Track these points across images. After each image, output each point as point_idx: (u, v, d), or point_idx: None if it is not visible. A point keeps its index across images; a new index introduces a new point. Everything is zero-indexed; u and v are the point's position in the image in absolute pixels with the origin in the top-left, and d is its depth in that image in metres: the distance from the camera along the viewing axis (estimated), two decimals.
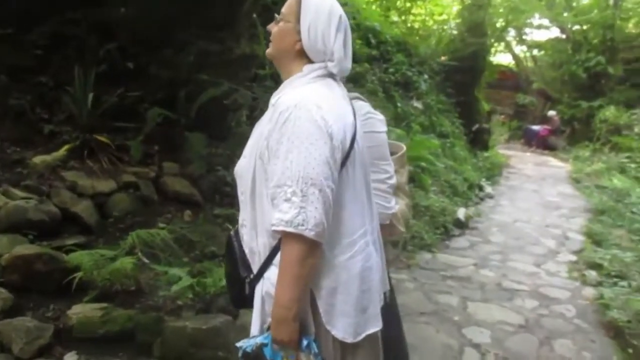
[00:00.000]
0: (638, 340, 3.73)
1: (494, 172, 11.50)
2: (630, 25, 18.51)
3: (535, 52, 21.91)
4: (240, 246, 1.63)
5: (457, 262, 5.45)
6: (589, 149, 14.92)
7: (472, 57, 12.13)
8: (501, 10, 15.55)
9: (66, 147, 4.27)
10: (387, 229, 2.02)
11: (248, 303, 1.59)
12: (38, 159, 4.08)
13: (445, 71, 12.05)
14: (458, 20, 13.67)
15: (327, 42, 1.56)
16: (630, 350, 3.65)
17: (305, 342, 1.45)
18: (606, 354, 3.64)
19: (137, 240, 3.47)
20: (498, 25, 15.90)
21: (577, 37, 18.54)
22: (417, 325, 3.81)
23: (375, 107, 2.15)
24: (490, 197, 9.19)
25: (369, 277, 1.54)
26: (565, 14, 18.57)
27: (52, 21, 4.65)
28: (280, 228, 1.39)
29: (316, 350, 1.46)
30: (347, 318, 1.50)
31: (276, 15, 1.66)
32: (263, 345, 1.48)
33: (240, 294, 1.61)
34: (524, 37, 20.92)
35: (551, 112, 18.07)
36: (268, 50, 1.67)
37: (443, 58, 12.43)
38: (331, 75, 1.60)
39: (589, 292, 4.80)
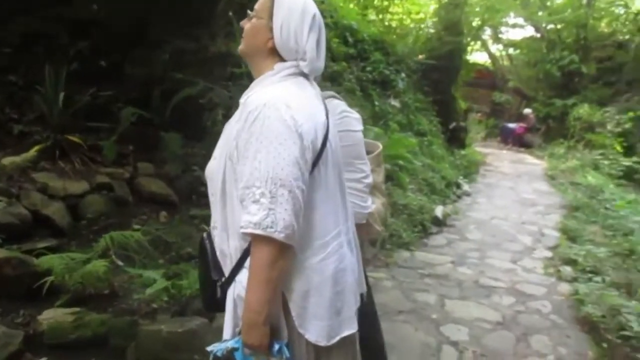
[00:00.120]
0: (612, 335, 3.78)
1: (471, 170, 11.60)
2: (603, 24, 18.87)
3: (510, 50, 22.21)
4: (213, 248, 1.59)
5: (435, 260, 5.47)
6: (563, 146, 15.18)
7: (449, 56, 12.22)
8: (477, 9, 15.68)
9: (36, 147, 4.17)
10: (363, 228, 2.01)
11: (220, 306, 1.56)
12: (7, 160, 3.97)
13: (422, 70, 12.11)
14: (435, 19, 13.75)
15: (299, 40, 1.53)
16: (605, 345, 3.70)
17: (276, 347, 1.43)
18: (581, 349, 3.68)
19: (111, 242, 3.40)
20: (474, 24, 16.04)
21: (551, 36, 18.88)
22: (395, 324, 3.81)
23: (352, 105, 2.14)
24: (468, 194, 9.26)
25: (342, 279, 1.52)
26: (540, 13, 18.85)
27: (22, 19, 4.53)
28: (249, 230, 1.36)
29: (288, 355, 1.43)
30: (320, 321, 1.47)
31: (249, 11, 1.63)
32: (234, 349, 1.46)
33: (212, 297, 1.58)
34: (499, 36, 21.15)
35: (527, 110, 18.34)
36: (240, 47, 1.64)
37: (420, 57, 12.48)
38: (303, 74, 1.57)
39: (564, 287, 4.86)
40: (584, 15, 17.30)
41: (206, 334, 2.81)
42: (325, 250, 1.49)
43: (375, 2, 13.07)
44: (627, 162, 12.70)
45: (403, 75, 10.72)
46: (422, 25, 14.27)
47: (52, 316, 2.92)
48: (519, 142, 17.54)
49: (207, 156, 1.60)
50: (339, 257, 1.52)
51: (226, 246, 1.53)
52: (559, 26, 18.60)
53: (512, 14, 18.77)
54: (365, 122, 2.11)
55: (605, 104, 15.66)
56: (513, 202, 8.91)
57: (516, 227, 7.17)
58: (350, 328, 1.54)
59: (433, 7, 14.55)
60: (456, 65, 12.86)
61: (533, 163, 14.33)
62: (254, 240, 1.38)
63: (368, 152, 2.10)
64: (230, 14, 5.26)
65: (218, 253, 1.57)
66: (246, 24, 1.62)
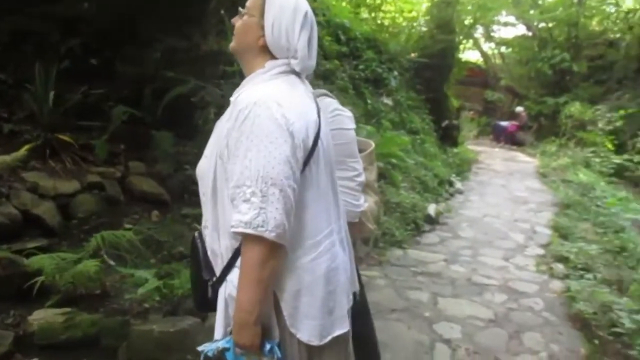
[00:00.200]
0: (604, 332, 3.81)
1: (463, 167, 11.63)
2: (594, 23, 18.96)
3: (502, 49, 22.28)
4: (204, 248, 1.58)
5: (428, 257, 5.48)
6: (555, 144, 15.25)
7: (441, 54, 12.24)
8: (469, 8, 15.71)
9: (27, 147, 4.12)
10: (356, 227, 2.00)
11: (212, 306, 1.55)
12: None
13: (414, 68, 12.13)
14: (427, 18, 13.78)
15: (290, 38, 1.52)
16: (597, 342, 3.72)
17: (268, 347, 1.42)
18: (573, 346, 3.70)
19: (102, 242, 3.38)
20: (466, 22, 16.07)
21: (542, 35, 18.96)
22: (388, 322, 3.81)
23: (345, 104, 2.13)
24: (460, 192, 9.28)
25: (334, 278, 1.52)
26: (532, 12, 18.92)
27: (11, 17, 4.49)
28: (240, 230, 1.35)
29: (279, 355, 1.42)
30: (312, 320, 1.47)
31: (240, 9, 1.62)
32: (225, 349, 1.45)
33: (203, 297, 1.57)
34: (491, 34, 21.22)
35: (519, 108, 18.41)
36: (231, 45, 1.63)
37: (413, 55, 12.50)
38: (295, 72, 1.56)
39: (557, 285, 4.89)
40: (575, 13, 17.39)
41: (198, 333, 2.79)
42: (317, 250, 1.48)
43: (368, 0, 13.07)
44: (618, 159, 12.77)
45: (395, 73, 10.73)
46: (415, 24, 14.29)
47: (43, 317, 2.90)
48: (511, 140, 17.61)
49: (199, 155, 1.59)
50: (331, 256, 1.51)
51: (217, 245, 1.52)
52: (550, 24, 18.69)
53: (504, 12, 18.83)
54: (358, 121, 2.10)
55: (596, 102, 15.74)
56: (505, 200, 8.94)
57: (508, 224, 7.20)
58: (343, 327, 1.54)
59: (425, 5, 14.57)
60: (448, 64, 12.90)
61: (525, 161, 14.39)
62: (245, 240, 1.37)
63: (360, 151, 2.09)
64: (222, 12, 5.23)
65: (209, 252, 1.56)
66: (237, 22, 1.61)
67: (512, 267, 5.38)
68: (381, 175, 6.11)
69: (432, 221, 6.81)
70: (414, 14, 14.49)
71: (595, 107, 15.20)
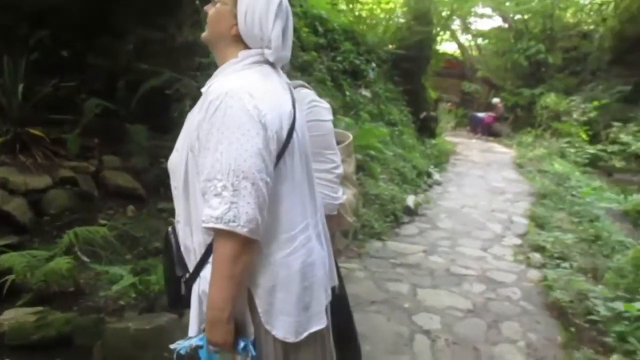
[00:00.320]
0: (580, 319, 3.86)
1: (441, 159, 11.71)
2: (568, 14, 19.23)
3: (479, 40, 22.48)
4: (177, 243, 1.54)
5: (407, 249, 5.50)
6: (531, 135, 15.45)
7: (419, 46, 12.27)
8: (446, 0, 15.79)
9: None
10: (335, 219, 1.98)
11: (185, 303, 1.51)
12: None
13: (392, 60, 12.14)
14: (404, 9, 13.77)
15: (264, 28, 1.48)
16: (573, 329, 3.77)
17: (242, 344, 1.39)
18: (551, 334, 3.74)
19: (75, 238, 3.29)
20: (443, 14, 16.15)
21: (518, 26, 19.16)
22: (367, 314, 3.81)
23: (323, 95, 2.11)
24: (438, 183, 9.34)
25: (311, 274, 1.49)
26: (508, 3, 19.08)
27: None
28: (210, 225, 1.31)
29: (253, 353, 1.40)
30: (288, 317, 1.44)
31: None
32: (198, 347, 1.42)
33: (177, 293, 1.53)
34: (468, 26, 21.37)
35: (495, 100, 18.62)
36: (203, 34, 1.58)
37: (390, 46, 12.51)
38: (269, 63, 1.52)
39: (534, 274, 4.94)
40: (550, 5, 17.60)
41: (175, 330, 2.74)
42: (292, 245, 1.45)
43: None
44: (592, 150, 13.01)
45: (374, 65, 10.73)
46: (392, 15, 14.28)
47: (14, 316, 2.82)
48: (488, 131, 17.80)
49: None
50: (306, 251, 1.48)
51: (190, 241, 1.48)
52: (526, 16, 18.89)
53: (480, 4, 18.97)
54: (336, 112, 2.07)
55: (571, 93, 15.99)
56: (483, 191, 9.02)
57: (486, 215, 7.26)
58: (320, 323, 1.51)
59: None
60: (426, 55, 12.93)
61: (502, 152, 14.55)
62: (216, 235, 1.33)
63: (338, 143, 2.06)
64: (197, 2, 5.15)
65: (182, 248, 1.52)
66: (210, 10, 1.55)
67: (490, 257, 5.43)
68: (360, 167, 6.11)
69: (411, 212, 6.83)
70: (391, 5, 14.47)
71: (570, 98, 15.44)
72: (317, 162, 1.80)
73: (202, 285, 1.44)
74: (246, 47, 1.51)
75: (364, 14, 13.67)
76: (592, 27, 18.26)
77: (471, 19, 20.73)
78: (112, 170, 4.49)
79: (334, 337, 1.68)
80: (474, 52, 23.00)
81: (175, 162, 1.49)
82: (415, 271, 4.85)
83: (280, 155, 1.42)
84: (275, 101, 1.43)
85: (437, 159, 11.44)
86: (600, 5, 17.68)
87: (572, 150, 13.03)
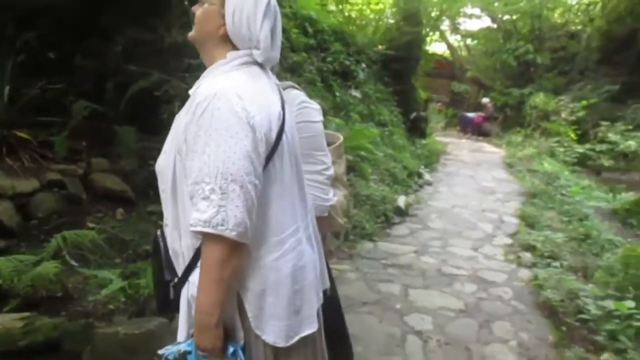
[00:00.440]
0: (571, 318, 3.88)
1: (431, 159, 11.75)
2: (556, 15, 19.38)
3: (468, 41, 22.59)
4: (166, 247, 1.52)
5: (398, 249, 5.50)
6: (520, 135, 15.55)
7: (409, 46, 12.30)
8: (435, 0, 15.84)
9: None
10: (325, 221, 1.97)
11: (174, 308, 1.49)
12: None
13: (382, 60, 12.16)
14: (394, 10, 13.82)
15: (252, 28, 1.46)
16: (564, 328, 3.79)
17: (231, 349, 1.37)
18: (542, 334, 3.75)
19: (63, 242, 3.26)
20: (433, 14, 16.18)
21: (507, 27, 19.29)
22: (359, 315, 3.80)
23: (313, 96, 2.09)
24: (429, 184, 9.35)
25: (301, 277, 1.47)
26: (496, 4, 19.18)
27: None
28: (198, 229, 1.29)
29: (243, 358, 1.38)
30: (278, 321, 1.42)
31: None
32: (187, 352, 1.40)
33: (165, 298, 1.51)
34: (457, 26, 21.46)
35: (485, 100, 18.71)
36: (191, 34, 1.55)
37: (380, 47, 12.52)
38: (258, 63, 1.50)
39: (524, 273, 4.95)
40: (539, 5, 17.74)
41: (165, 334, 2.71)
42: (282, 248, 1.43)
43: None
44: (580, 149, 13.12)
45: (363, 65, 10.73)
46: (382, 16, 14.30)
47: (0, 322, 2.76)
48: (478, 131, 17.89)
49: None
50: (297, 254, 1.46)
51: (178, 245, 1.46)
52: (514, 17, 19.01)
53: (469, 5, 19.06)
54: (327, 113, 2.06)
55: (559, 93, 16.12)
56: (473, 191, 9.05)
57: (477, 215, 7.28)
58: (311, 327, 1.49)
59: None
60: (416, 56, 12.96)
61: (491, 151, 14.61)
62: (205, 239, 1.31)
63: (329, 144, 2.05)
64: (186, 3, 5.10)
65: (170, 252, 1.50)
66: (198, 10, 1.53)
67: (481, 257, 5.44)
68: (350, 168, 6.10)
69: (402, 213, 6.83)
70: (380, 6, 14.51)
71: (559, 98, 15.56)
72: (308, 163, 1.79)
73: (191, 289, 1.42)
74: (234, 47, 1.49)
75: (353, 14, 13.69)
76: (579, 27, 18.43)
77: (460, 20, 20.86)
78: (101, 173, 4.44)
79: (326, 338, 1.67)
80: (464, 53, 23.12)
81: (163, 165, 1.46)
82: (407, 272, 4.85)
83: (269, 157, 1.40)
84: (264, 102, 1.42)
85: (428, 159, 11.47)
86: (588, 5, 17.84)
87: (561, 149, 13.13)
